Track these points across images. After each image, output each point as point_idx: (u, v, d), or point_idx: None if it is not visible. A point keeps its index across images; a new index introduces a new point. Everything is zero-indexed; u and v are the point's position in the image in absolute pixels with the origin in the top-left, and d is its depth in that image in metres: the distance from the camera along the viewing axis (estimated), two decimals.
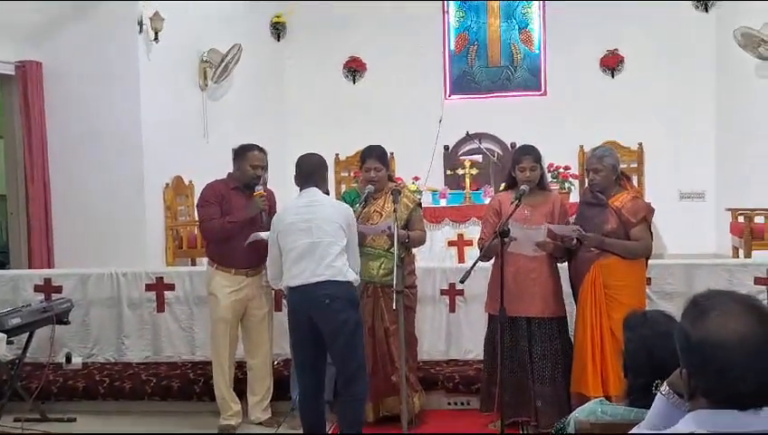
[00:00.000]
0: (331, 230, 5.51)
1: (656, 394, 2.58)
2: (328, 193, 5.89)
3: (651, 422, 2.50)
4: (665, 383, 2.51)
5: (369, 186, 6.32)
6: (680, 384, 2.34)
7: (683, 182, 12.37)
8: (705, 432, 2.13)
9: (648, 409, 2.62)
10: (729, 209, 10.37)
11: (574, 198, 10.75)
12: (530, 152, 6.25)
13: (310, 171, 5.82)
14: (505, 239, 5.78)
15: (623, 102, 12.41)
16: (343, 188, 12.40)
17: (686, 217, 11.81)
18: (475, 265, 5.85)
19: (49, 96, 9.83)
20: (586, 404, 3.38)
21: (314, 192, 5.73)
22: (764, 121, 11.15)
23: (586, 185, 6.66)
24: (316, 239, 5.49)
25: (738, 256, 9.86)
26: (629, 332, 3.31)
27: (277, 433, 6.36)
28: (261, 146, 6.71)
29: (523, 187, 6.09)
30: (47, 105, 9.83)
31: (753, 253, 9.45)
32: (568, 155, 11.89)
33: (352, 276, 5.54)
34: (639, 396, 3.15)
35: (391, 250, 5.96)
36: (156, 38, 9.98)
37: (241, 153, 6.62)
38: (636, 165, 12.20)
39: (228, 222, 6.45)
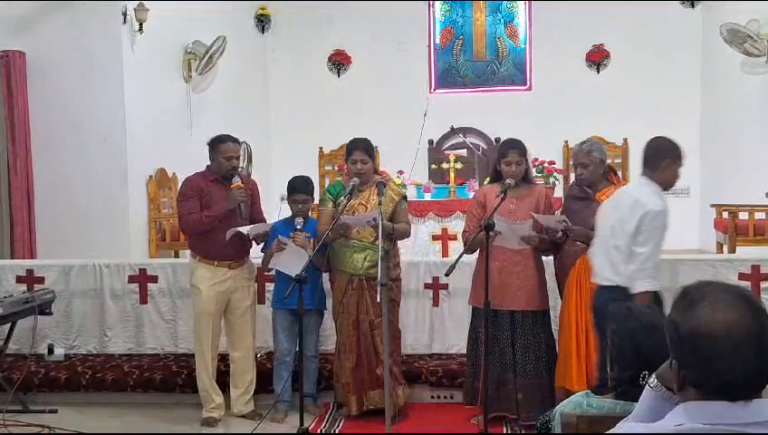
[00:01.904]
0: None
1: (643, 386, 2.56)
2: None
3: (639, 415, 2.48)
4: (653, 376, 2.49)
5: (355, 178, 6.29)
6: (669, 377, 2.33)
7: None
8: (695, 425, 2.12)
9: (635, 401, 2.61)
10: (714, 205, 10.37)
11: (559, 192, 10.75)
12: (515, 146, 6.23)
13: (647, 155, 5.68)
14: (490, 233, 5.77)
15: (608, 98, 12.45)
16: (327, 181, 12.38)
17: (670, 213, 11.79)
18: (459, 258, 5.86)
19: (32, 86, 9.76)
20: (571, 397, 3.37)
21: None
22: (749, 118, 11.17)
23: (573, 179, 6.66)
24: None
25: (722, 252, 9.87)
26: (615, 324, 3.29)
27: (259, 429, 6.32)
28: (234, 136, 6.66)
29: (508, 180, 6.07)
30: (30, 95, 9.75)
31: (737, 249, 9.47)
32: (553, 150, 11.92)
33: None
34: (625, 390, 3.14)
35: (376, 243, 5.94)
36: (140, 29, 9.93)
37: (214, 145, 6.57)
38: (620, 160, 12.22)
39: (206, 216, 6.42)
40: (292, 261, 6.22)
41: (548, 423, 3.31)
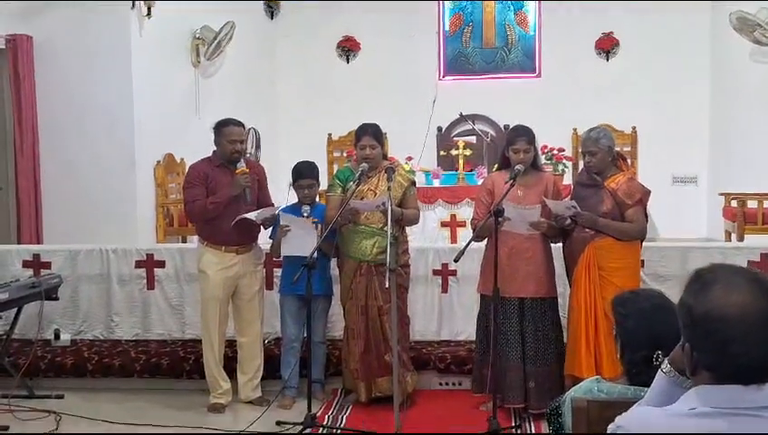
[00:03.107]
0: None
1: (657, 367, 2.54)
2: None
3: (651, 400, 2.46)
4: (665, 361, 2.47)
5: (363, 164, 6.28)
6: (681, 361, 2.31)
7: (676, 166, 12.33)
8: (708, 409, 2.10)
9: (648, 386, 2.59)
10: (722, 194, 10.33)
11: (568, 180, 10.71)
12: (524, 134, 6.22)
13: None
14: (499, 219, 5.76)
15: (617, 86, 12.37)
16: (336, 168, 12.35)
17: (678, 202, 11.79)
18: (469, 244, 5.84)
19: (39, 71, 9.70)
20: (582, 382, 3.35)
21: None
22: (758, 107, 11.10)
23: (582, 167, 6.63)
24: None
25: (730, 241, 9.84)
26: (623, 307, 3.26)
27: (266, 415, 6.31)
28: (238, 120, 6.65)
29: (517, 166, 6.05)
30: (37, 80, 9.70)
31: (746, 237, 9.44)
32: (562, 137, 11.84)
33: None
34: (639, 371, 3.10)
35: (385, 228, 5.93)
36: (148, 14, 9.86)
37: (218, 129, 6.57)
38: (629, 148, 12.15)
39: (210, 203, 6.41)
40: (301, 242, 6.23)
41: (558, 409, 3.29)
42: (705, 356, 2.14)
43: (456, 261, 5.86)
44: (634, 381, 3.13)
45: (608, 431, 2.25)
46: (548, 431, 3.53)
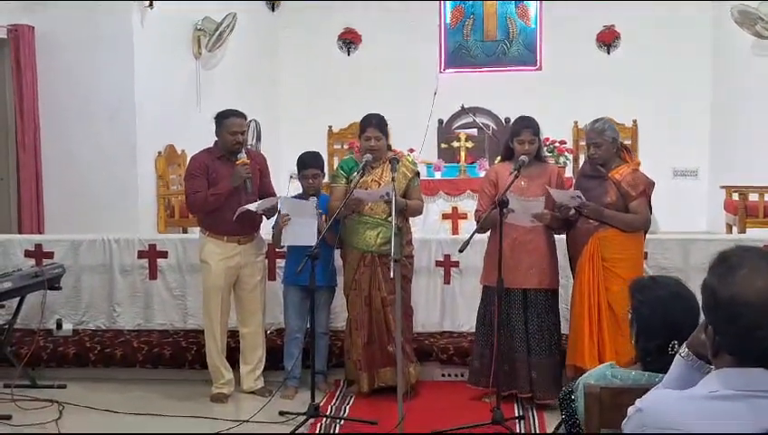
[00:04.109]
0: None
1: (671, 356, 2.54)
2: None
3: (669, 384, 2.45)
4: (684, 345, 2.47)
5: (368, 155, 6.27)
6: (700, 346, 2.31)
7: (676, 159, 12.33)
8: (730, 392, 2.09)
9: (662, 372, 2.58)
10: (724, 187, 10.33)
11: (568, 173, 10.70)
12: (529, 125, 6.22)
13: None
14: (504, 210, 5.75)
15: (618, 79, 12.36)
16: (336, 160, 12.35)
17: (678, 195, 11.78)
18: (473, 235, 5.83)
19: (41, 61, 9.69)
20: (595, 368, 3.35)
21: None
22: (759, 100, 11.10)
23: (583, 159, 6.63)
24: None
25: (732, 234, 9.84)
26: (641, 294, 3.26)
27: (269, 405, 6.29)
28: (240, 111, 6.63)
29: (522, 157, 6.05)
30: (39, 70, 9.69)
31: (747, 230, 9.44)
32: (562, 130, 11.84)
33: None
34: (653, 359, 3.10)
35: (389, 219, 5.93)
36: (150, 5, 9.84)
37: (220, 121, 6.56)
38: (629, 141, 12.14)
39: (211, 195, 6.40)
40: (303, 231, 6.24)
41: (570, 395, 3.29)
42: (728, 340, 2.13)
43: (460, 252, 5.85)
44: (648, 367, 3.13)
45: (628, 413, 2.25)
46: (560, 416, 3.52)
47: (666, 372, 2.64)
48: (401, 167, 6.32)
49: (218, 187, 6.42)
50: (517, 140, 6.18)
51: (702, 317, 3.06)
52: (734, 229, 9.82)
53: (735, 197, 9.89)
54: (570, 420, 3.28)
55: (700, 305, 3.14)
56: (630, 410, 2.24)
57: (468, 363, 6.66)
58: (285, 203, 6.46)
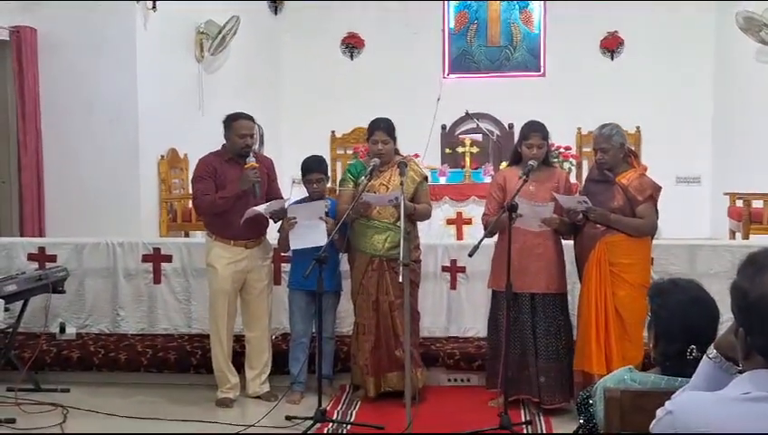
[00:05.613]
0: None
1: (690, 361, 2.51)
2: None
3: (696, 386, 2.42)
4: (711, 347, 2.44)
5: (375, 159, 6.26)
6: (729, 348, 2.28)
7: (680, 166, 12.33)
8: (763, 393, 2.06)
9: (681, 377, 2.55)
10: (727, 193, 10.32)
11: (572, 179, 10.68)
12: (539, 129, 6.23)
13: None
14: (513, 214, 5.73)
15: (622, 85, 12.39)
16: (339, 165, 12.33)
17: (682, 202, 11.75)
18: (482, 240, 5.81)
19: (43, 63, 9.66)
20: (613, 372, 3.32)
21: None
22: (762, 107, 11.09)
23: (588, 164, 6.61)
24: None
25: (735, 240, 9.82)
26: (660, 298, 3.23)
27: (275, 410, 6.26)
28: (248, 114, 6.60)
29: (531, 162, 6.04)
30: (41, 72, 9.66)
31: (751, 237, 9.43)
32: (566, 136, 11.80)
33: None
34: (673, 363, 3.08)
35: (398, 223, 5.91)
36: (153, 7, 9.82)
37: (228, 123, 6.52)
38: (633, 148, 12.10)
39: (220, 198, 6.37)
40: (309, 233, 6.23)
41: (588, 399, 3.26)
42: (760, 340, 2.11)
43: (470, 256, 5.80)
44: (667, 371, 3.10)
45: (657, 415, 2.22)
46: (569, 421, 3.50)
47: (684, 377, 2.60)
48: (409, 171, 6.29)
49: (227, 190, 6.38)
50: (526, 144, 6.16)
51: (721, 322, 3.05)
52: (738, 236, 9.80)
53: (740, 203, 9.87)
54: (588, 425, 3.25)
55: (719, 310, 3.14)
56: (659, 412, 2.21)
57: (483, 368, 6.62)
58: (291, 208, 6.42)
